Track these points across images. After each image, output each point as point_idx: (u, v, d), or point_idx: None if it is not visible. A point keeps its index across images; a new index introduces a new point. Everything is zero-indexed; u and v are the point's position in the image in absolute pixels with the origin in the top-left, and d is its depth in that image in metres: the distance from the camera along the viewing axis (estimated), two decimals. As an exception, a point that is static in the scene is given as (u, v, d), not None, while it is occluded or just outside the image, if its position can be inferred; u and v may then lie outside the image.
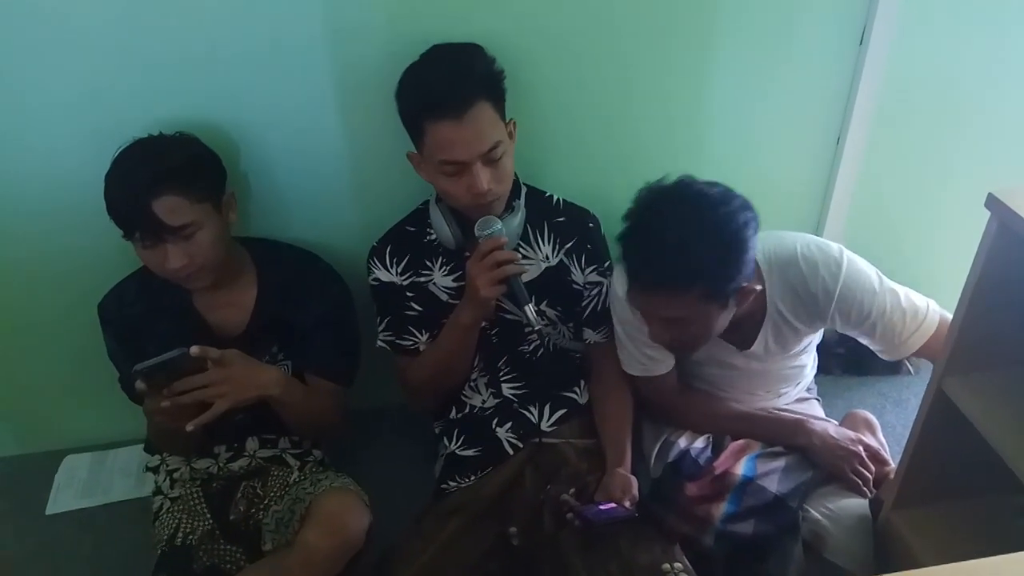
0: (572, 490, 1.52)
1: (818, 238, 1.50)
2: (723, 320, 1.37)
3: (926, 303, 1.50)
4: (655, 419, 1.71)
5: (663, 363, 1.60)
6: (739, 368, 1.61)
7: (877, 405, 2.08)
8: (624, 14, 1.61)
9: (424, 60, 1.48)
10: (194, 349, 1.33)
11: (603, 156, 1.79)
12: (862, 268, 1.46)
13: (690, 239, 1.26)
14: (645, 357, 1.59)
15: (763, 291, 1.46)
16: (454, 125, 1.39)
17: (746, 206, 1.30)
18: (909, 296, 1.49)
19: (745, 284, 1.33)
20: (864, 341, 1.55)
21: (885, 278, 1.48)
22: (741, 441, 1.58)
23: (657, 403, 1.68)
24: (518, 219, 1.55)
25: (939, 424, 1.38)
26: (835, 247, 1.47)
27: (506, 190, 1.52)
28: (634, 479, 1.51)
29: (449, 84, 1.40)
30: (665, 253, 1.26)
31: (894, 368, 2.18)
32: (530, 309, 1.46)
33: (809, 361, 1.72)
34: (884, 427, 1.78)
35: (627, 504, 1.45)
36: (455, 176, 1.44)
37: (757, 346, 1.53)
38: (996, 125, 1.90)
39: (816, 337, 1.62)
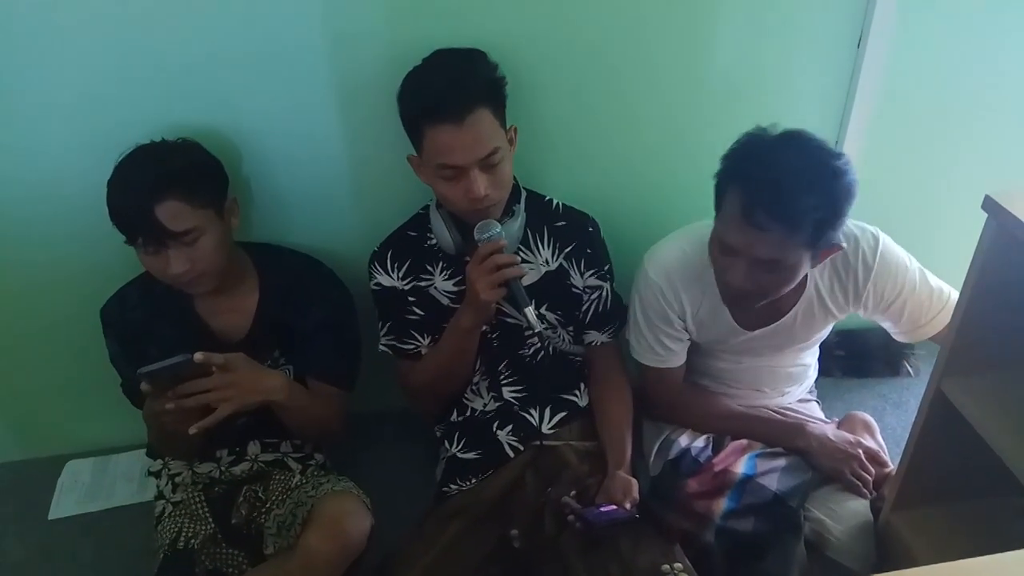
0: (573, 492, 1.52)
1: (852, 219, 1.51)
2: (803, 272, 1.37)
3: (948, 287, 1.52)
4: (655, 417, 1.71)
5: (676, 355, 1.62)
6: (746, 361, 1.62)
7: (877, 407, 2.09)
8: (622, 19, 1.62)
9: (426, 64, 1.49)
10: (198, 355, 1.33)
11: (602, 160, 1.79)
12: (895, 245, 1.50)
13: (819, 181, 1.26)
14: (661, 346, 1.60)
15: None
16: (453, 130, 1.40)
17: (852, 164, 1.31)
18: (935, 278, 1.52)
19: (836, 242, 1.34)
20: (888, 323, 1.57)
21: (913, 258, 1.51)
22: (742, 440, 1.59)
23: (660, 398, 1.69)
24: (518, 223, 1.56)
25: (938, 425, 1.39)
26: (869, 226, 1.49)
27: (504, 195, 1.52)
28: (635, 481, 1.51)
29: (450, 89, 1.41)
30: (792, 191, 1.25)
31: (894, 370, 2.19)
32: (530, 312, 1.46)
33: (813, 362, 1.73)
34: (884, 429, 1.78)
35: (628, 506, 1.45)
36: (453, 180, 1.45)
37: (785, 320, 1.53)
38: (994, 127, 1.90)
39: (824, 335, 1.63)
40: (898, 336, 1.59)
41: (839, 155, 1.29)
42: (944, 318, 1.50)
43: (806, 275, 1.46)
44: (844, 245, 1.38)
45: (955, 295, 1.49)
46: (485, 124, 1.43)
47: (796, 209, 1.25)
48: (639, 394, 1.70)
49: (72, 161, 1.58)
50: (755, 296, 1.41)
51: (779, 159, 1.28)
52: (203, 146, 1.51)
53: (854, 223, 1.49)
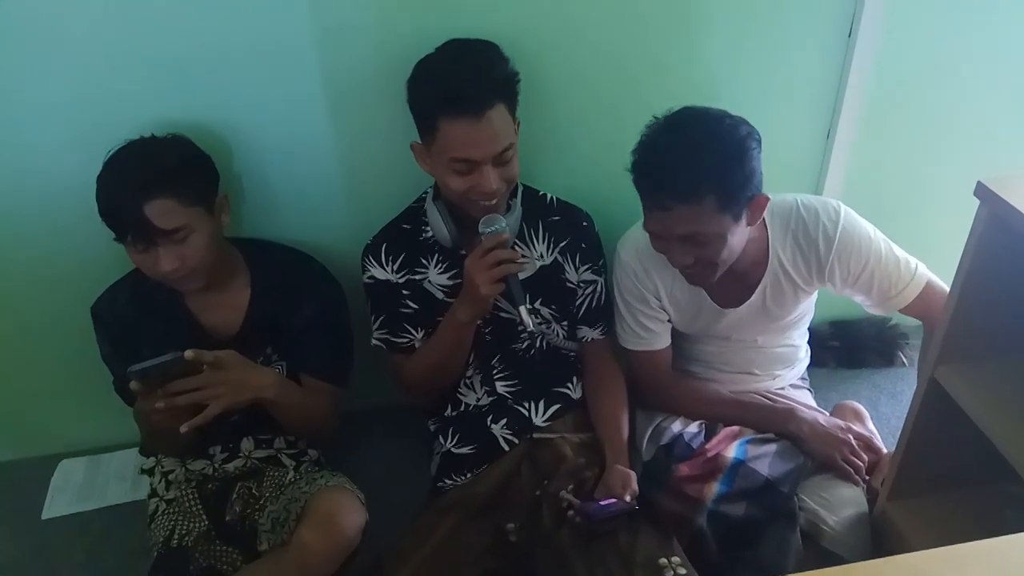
0: (571, 486, 1.51)
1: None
2: (739, 237, 1.40)
3: (914, 259, 1.53)
4: (648, 406, 1.71)
5: (659, 336, 1.63)
6: (735, 342, 1.63)
7: (872, 397, 2.09)
8: (617, 11, 1.61)
9: (443, 54, 1.47)
10: (188, 353, 1.32)
11: (595, 154, 1.79)
12: (858, 217, 1.51)
13: (696, 150, 1.31)
14: (642, 328, 1.61)
15: (766, 242, 1.50)
16: (471, 124, 1.39)
17: (745, 121, 1.36)
18: (899, 249, 1.53)
19: (755, 193, 1.36)
20: (859, 297, 1.58)
21: (877, 230, 1.52)
22: (733, 427, 1.59)
23: (649, 384, 1.69)
24: (515, 217, 1.55)
25: (933, 413, 1.39)
26: (832, 200, 1.52)
27: (510, 189, 1.52)
28: (633, 473, 1.51)
29: (471, 83, 1.40)
30: (674, 166, 1.32)
31: (888, 360, 2.19)
32: (524, 311, 1.45)
33: (802, 344, 1.74)
34: (879, 419, 1.78)
35: (627, 498, 1.45)
36: (464, 174, 1.44)
37: (756, 297, 1.55)
38: (985, 115, 1.91)
39: (808, 309, 1.64)
40: (871, 309, 1.60)
41: (727, 115, 1.35)
42: (915, 288, 1.51)
43: (767, 250, 1.50)
44: (769, 196, 1.40)
45: (923, 267, 1.53)
46: (501, 120, 1.42)
47: (687, 182, 1.31)
48: (632, 385, 1.70)
49: (61, 157, 1.57)
50: (704, 270, 1.44)
51: (660, 141, 1.36)
52: (193, 142, 1.50)
53: (815, 196, 1.52)
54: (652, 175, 1.36)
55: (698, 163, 1.30)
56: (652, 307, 1.60)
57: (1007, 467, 1.22)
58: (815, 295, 1.61)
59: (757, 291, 1.54)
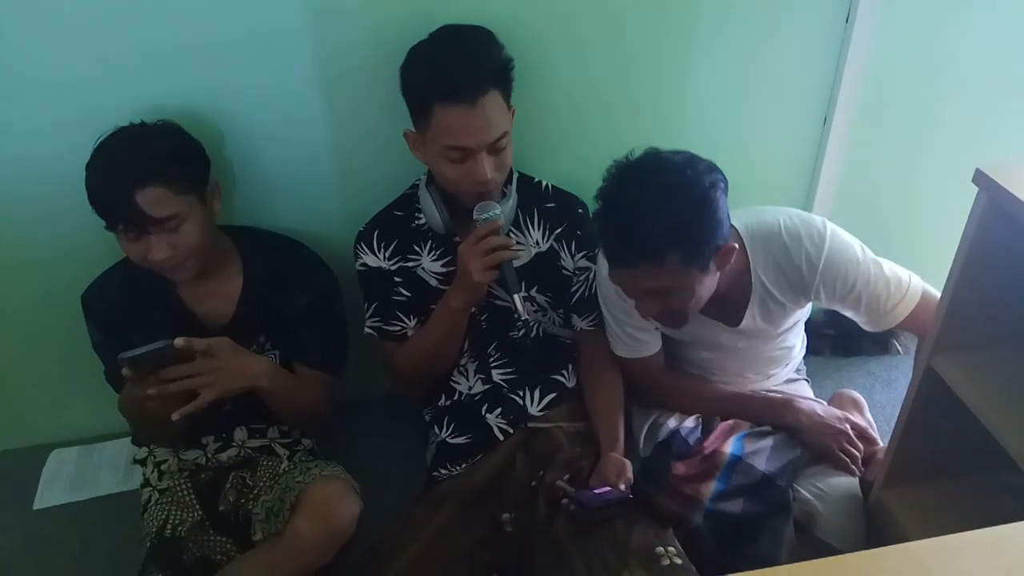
0: (566, 476, 1.51)
1: (800, 211, 1.50)
2: (707, 285, 1.36)
3: (908, 274, 1.50)
4: (643, 402, 1.70)
5: (649, 344, 1.61)
6: (728, 349, 1.61)
7: (867, 385, 2.09)
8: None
9: (437, 40, 1.46)
10: (178, 341, 1.31)
11: (589, 142, 1.78)
12: (845, 239, 1.46)
13: (657, 208, 1.26)
14: (630, 338, 1.60)
15: (748, 265, 1.46)
16: (466, 111, 1.38)
17: (711, 168, 1.31)
18: (892, 267, 1.49)
19: (722, 243, 1.32)
20: (849, 314, 1.55)
21: (867, 249, 1.48)
22: (730, 421, 1.59)
23: (645, 385, 1.68)
24: (510, 204, 1.54)
25: (929, 402, 1.39)
26: (817, 219, 1.47)
27: (504, 177, 1.51)
28: (628, 462, 1.51)
29: (465, 69, 1.38)
30: (635, 226, 1.27)
31: (883, 348, 2.19)
32: (518, 299, 1.44)
33: (797, 342, 1.72)
34: (874, 407, 1.78)
35: (622, 487, 1.44)
36: (458, 162, 1.43)
37: (746, 323, 1.53)
38: (983, 103, 1.90)
39: (803, 315, 1.62)
40: (864, 326, 1.56)
41: (691, 165, 1.29)
42: (907, 307, 1.48)
43: (749, 276, 1.47)
44: (735, 245, 1.36)
45: (917, 283, 1.49)
46: (496, 107, 1.41)
47: (648, 242, 1.27)
48: (627, 378, 1.69)
49: (50, 144, 1.55)
50: (671, 318, 1.42)
51: (620, 197, 1.30)
52: (184, 129, 1.48)
53: (799, 216, 1.47)
54: (613, 234, 1.32)
55: (659, 223, 1.25)
56: (637, 319, 1.55)
57: (1004, 455, 1.22)
58: (809, 304, 1.59)
59: (747, 315, 1.51)
